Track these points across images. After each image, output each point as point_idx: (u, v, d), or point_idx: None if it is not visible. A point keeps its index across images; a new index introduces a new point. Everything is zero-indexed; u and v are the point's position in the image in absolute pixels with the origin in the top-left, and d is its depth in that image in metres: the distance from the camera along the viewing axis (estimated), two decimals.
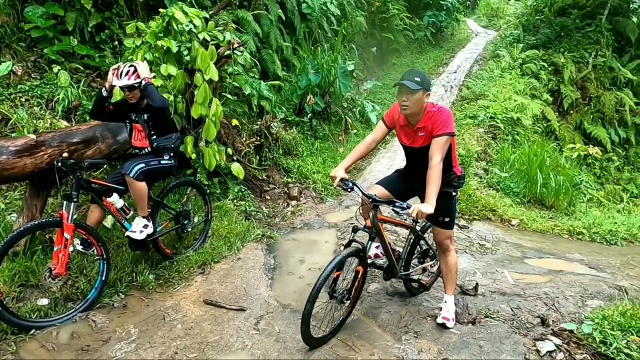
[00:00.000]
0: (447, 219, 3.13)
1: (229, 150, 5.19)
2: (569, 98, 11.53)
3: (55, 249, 3.11)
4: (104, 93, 3.49)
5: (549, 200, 7.15)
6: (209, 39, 4.63)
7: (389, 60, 14.16)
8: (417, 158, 3.04)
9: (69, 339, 2.97)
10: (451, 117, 2.89)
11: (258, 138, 6.05)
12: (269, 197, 5.90)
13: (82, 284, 3.40)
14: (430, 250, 3.64)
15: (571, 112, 11.73)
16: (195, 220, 4.40)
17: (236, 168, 5.09)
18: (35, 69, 4.87)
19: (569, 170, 7.96)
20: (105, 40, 5.31)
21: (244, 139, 5.77)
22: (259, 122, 6.19)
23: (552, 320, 3.26)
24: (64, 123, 4.52)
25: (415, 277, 3.62)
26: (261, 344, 3.04)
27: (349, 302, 3.11)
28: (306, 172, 6.50)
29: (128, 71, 3.41)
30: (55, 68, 4.82)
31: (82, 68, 5.08)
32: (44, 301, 3.18)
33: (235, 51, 4.92)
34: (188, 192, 4.78)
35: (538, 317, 3.34)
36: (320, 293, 2.76)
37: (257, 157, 6.07)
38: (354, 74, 9.04)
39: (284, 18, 7.77)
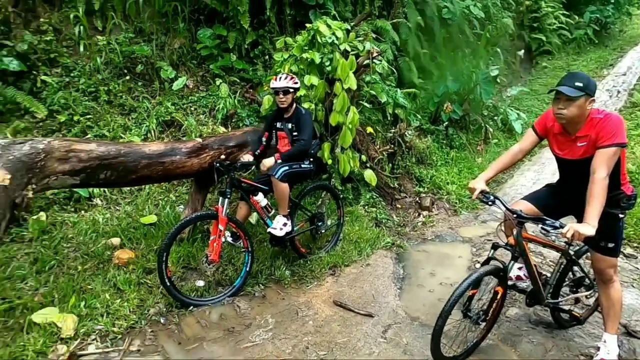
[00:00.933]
0: (611, 245, 2.70)
1: (363, 157, 5.29)
2: None
3: (211, 238, 3.56)
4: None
5: None
6: (349, 49, 4.81)
7: (538, 63, 12.85)
8: (575, 172, 2.68)
9: (218, 319, 3.36)
10: (622, 125, 2.49)
11: (391, 146, 6.05)
12: (399, 206, 5.84)
13: (230, 272, 3.82)
14: (586, 279, 3.16)
15: None
16: (329, 223, 4.59)
17: (369, 175, 5.16)
18: (202, 82, 5.69)
19: None
20: (258, 55, 5.94)
21: (378, 146, 5.82)
22: (392, 130, 6.17)
23: None
24: (222, 129, 5.17)
25: (566, 308, 3.19)
26: (388, 353, 3.01)
27: (484, 324, 2.89)
28: (440, 182, 6.26)
29: (287, 76, 3.86)
30: (218, 81, 5.55)
31: (238, 80, 5.76)
32: (200, 283, 3.66)
33: (373, 60, 5.01)
34: (323, 195, 5.01)
35: None
36: (453, 310, 2.62)
37: (390, 165, 6.06)
38: (498, 80, 8.41)
39: (423, 25, 7.64)
